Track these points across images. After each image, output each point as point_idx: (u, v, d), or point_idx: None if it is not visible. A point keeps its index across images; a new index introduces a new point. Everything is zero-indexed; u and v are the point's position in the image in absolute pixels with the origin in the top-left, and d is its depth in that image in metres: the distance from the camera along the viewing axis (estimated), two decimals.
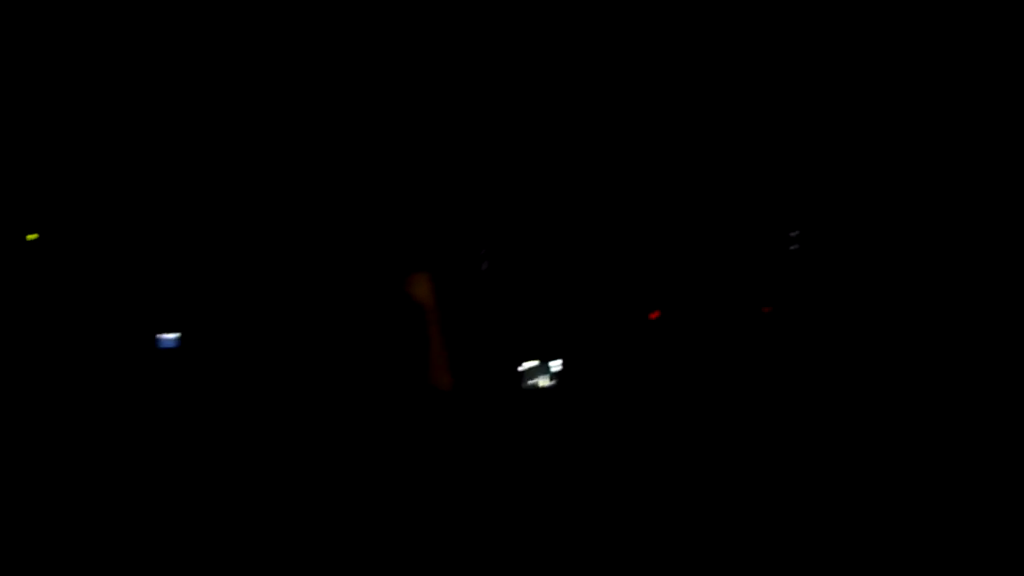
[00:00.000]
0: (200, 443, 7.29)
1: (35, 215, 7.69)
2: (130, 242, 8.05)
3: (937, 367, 8.08)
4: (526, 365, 7.85)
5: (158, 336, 7.81)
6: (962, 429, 7.39)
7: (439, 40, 7.85)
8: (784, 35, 7.91)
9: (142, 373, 7.91)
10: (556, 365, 7.89)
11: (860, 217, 8.14)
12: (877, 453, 6.83)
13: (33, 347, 7.48)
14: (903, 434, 7.29)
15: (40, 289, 7.66)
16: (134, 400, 7.58)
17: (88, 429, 7.22)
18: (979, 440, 7.08)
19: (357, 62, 7.81)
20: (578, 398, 7.87)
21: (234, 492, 6.55)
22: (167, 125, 7.96)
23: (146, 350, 7.96)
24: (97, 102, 7.76)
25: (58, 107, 7.59)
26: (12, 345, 7.45)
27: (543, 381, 7.85)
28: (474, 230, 8.16)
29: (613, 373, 8.09)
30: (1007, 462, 6.51)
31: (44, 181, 7.68)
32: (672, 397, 7.84)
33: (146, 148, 7.96)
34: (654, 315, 8.12)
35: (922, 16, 7.77)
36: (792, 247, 8.18)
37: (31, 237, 7.65)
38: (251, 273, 8.09)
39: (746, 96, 8.08)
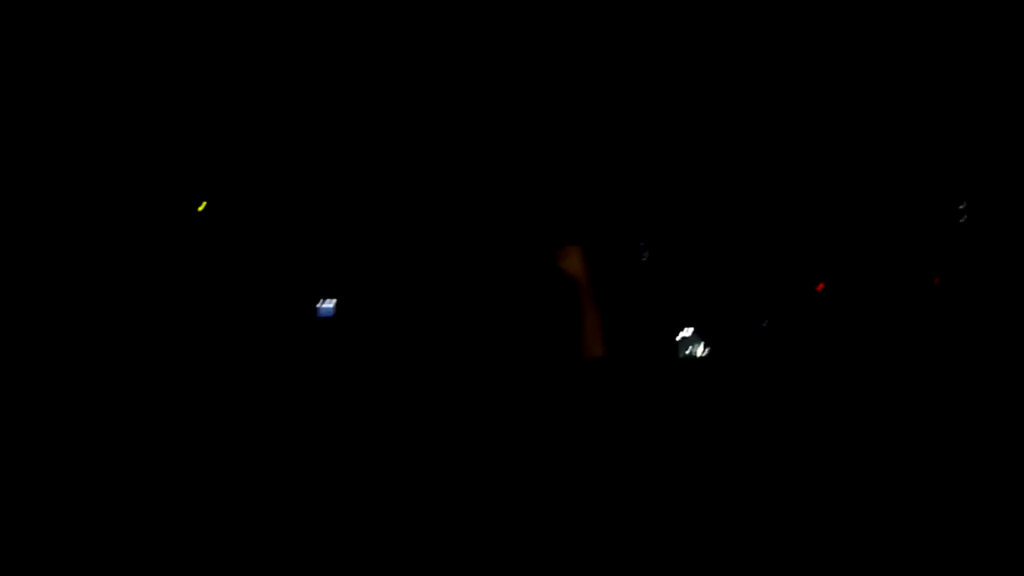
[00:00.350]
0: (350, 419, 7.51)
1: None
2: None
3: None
4: (683, 334, 7.79)
5: (319, 305, 8.01)
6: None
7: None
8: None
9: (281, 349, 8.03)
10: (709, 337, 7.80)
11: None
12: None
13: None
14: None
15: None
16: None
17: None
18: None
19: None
20: (735, 370, 7.76)
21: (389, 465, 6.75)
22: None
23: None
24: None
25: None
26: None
27: (699, 350, 7.77)
28: (627, 204, 8.12)
29: (774, 346, 7.92)
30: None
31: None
32: (836, 375, 7.63)
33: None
34: (819, 287, 7.89)
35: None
36: (960, 220, 7.80)
37: (201, 207, 7.93)
38: (406, 248, 8.26)
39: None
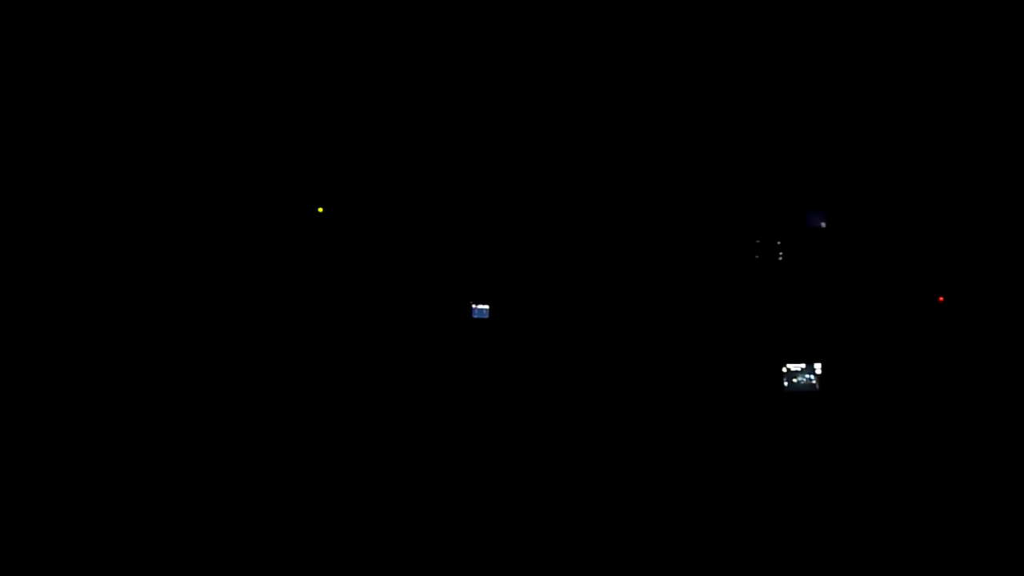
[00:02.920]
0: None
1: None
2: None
3: None
4: (790, 367, 7.70)
5: (473, 306, 8.25)
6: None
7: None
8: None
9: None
10: (818, 368, 7.68)
11: None
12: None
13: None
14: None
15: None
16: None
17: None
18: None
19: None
20: (846, 404, 7.62)
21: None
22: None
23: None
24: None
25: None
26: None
27: (806, 384, 7.67)
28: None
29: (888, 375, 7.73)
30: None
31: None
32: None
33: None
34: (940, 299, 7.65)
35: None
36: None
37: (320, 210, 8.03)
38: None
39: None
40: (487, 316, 8.26)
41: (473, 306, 8.27)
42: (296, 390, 7.61)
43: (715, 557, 5.35)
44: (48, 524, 5.60)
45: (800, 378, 7.68)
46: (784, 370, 7.71)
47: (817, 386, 7.65)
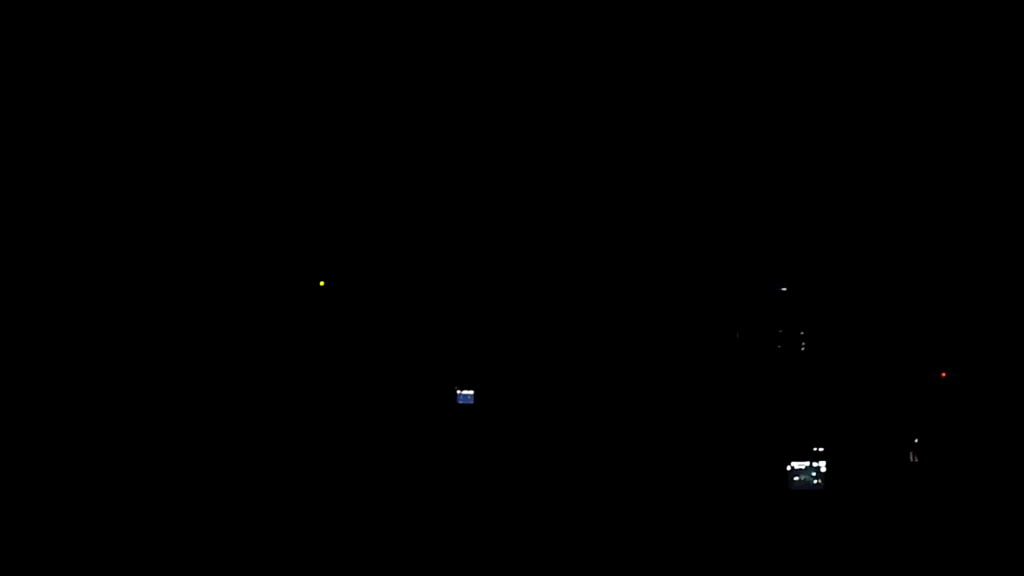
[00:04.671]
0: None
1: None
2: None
3: None
4: (794, 465, 7.07)
5: (458, 391, 7.95)
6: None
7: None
8: None
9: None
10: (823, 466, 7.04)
11: None
12: None
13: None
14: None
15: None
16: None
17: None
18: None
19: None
20: (851, 503, 6.92)
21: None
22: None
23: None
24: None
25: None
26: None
27: (811, 483, 6.99)
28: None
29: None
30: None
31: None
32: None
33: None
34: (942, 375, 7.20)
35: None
36: None
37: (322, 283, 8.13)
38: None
39: None
40: (472, 402, 7.96)
41: (458, 392, 8.01)
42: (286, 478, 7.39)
43: None
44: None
45: (804, 476, 7.01)
46: (788, 468, 7.07)
47: (821, 484, 6.95)
